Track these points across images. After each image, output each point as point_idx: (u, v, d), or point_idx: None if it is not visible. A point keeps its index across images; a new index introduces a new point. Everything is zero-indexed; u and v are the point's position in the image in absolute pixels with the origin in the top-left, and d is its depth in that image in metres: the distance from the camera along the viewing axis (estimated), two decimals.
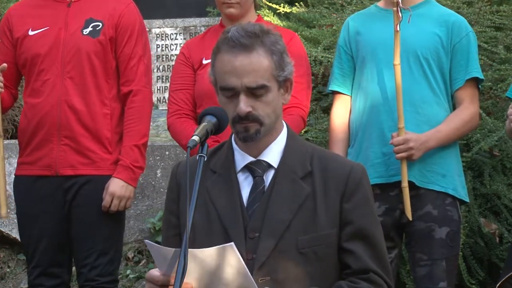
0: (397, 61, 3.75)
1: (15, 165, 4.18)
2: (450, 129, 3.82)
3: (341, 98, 4.01)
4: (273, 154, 2.69)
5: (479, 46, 4.98)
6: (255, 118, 2.61)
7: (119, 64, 4.04)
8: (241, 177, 2.69)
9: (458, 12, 4.76)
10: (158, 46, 8.33)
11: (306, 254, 2.61)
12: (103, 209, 3.96)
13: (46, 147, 3.97)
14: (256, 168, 2.68)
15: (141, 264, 5.81)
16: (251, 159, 2.69)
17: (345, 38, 4.00)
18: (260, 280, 2.57)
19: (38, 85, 3.99)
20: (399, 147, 3.72)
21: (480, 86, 3.96)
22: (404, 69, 3.78)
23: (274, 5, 6.67)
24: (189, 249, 2.35)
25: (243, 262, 2.40)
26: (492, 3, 5.75)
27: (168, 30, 8.37)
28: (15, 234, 5.85)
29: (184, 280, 2.33)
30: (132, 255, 5.86)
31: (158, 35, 8.36)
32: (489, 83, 5.02)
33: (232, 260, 2.40)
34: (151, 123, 4.14)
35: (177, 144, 4.23)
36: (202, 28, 8.03)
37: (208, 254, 2.40)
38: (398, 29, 3.74)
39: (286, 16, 6.75)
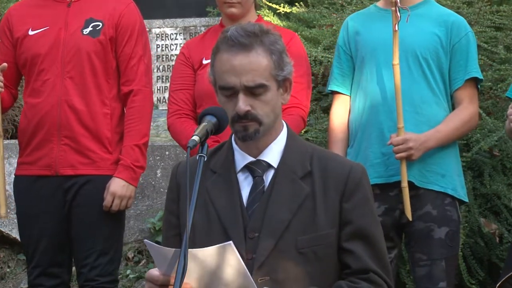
0: (396, 61, 3.75)
1: (15, 165, 4.18)
2: (450, 129, 3.82)
3: (340, 98, 4.01)
4: (273, 154, 2.69)
5: (479, 46, 4.99)
6: (254, 117, 2.61)
7: (120, 64, 4.04)
8: (241, 177, 2.69)
9: (458, 12, 4.77)
10: (158, 46, 8.33)
11: (306, 254, 2.61)
12: (104, 209, 3.96)
13: (46, 147, 3.97)
14: (256, 168, 2.68)
15: (141, 264, 5.81)
16: (251, 159, 2.69)
17: (344, 38, 4.00)
18: (260, 280, 2.57)
19: (38, 85, 3.99)
20: (399, 147, 3.72)
21: (479, 86, 3.96)
22: (403, 69, 3.78)
23: (274, 5, 6.67)
24: (188, 249, 2.35)
25: (242, 261, 2.40)
26: (492, 3, 5.74)
27: (168, 30, 8.38)
28: (15, 234, 5.85)
29: (184, 280, 2.33)
30: (132, 255, 5.86)
31: (158, 35, 8.36)
32: (489, 83, 5.02)
33: (231, 260, 2.40)
34: (151, 123, 4.14)
35: (177, 144, 4.24)
36: (202, 28, 8.03)
37: (207, 253, 2.40)
38: (396, 28, 3.74)
39: (286, 16, 6.75)
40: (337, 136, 3.98)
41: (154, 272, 2.46)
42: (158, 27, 8.38)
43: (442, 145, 3.82)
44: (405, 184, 3.74)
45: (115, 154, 4.01)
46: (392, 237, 3.82)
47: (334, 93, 4.05)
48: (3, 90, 3.99)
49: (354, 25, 3.99)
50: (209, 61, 3.96)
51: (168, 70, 8.16)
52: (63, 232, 4.01)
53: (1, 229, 6.02)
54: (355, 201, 2.65)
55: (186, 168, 2.67)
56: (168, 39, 8.36)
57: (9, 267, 6.05)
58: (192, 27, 8.33)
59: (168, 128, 4.11)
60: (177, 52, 7.36)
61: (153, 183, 6.31)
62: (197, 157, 2.47)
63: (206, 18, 8.37)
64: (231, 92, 2.62)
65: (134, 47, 4.04)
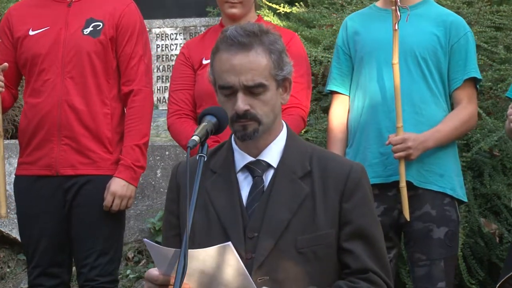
0: (395, 60, 3.75)
1: (15, 165, 4.18)
2: (449, 129, 3.82)
3: (339, 98, 4.01)
4: (272, 154, 2.69)
5: (479, 46, 5.00)
6: (253, 117, 2.61)
7: (120, 64, 4.04)
8: (240, 177, 2.69)
9: (458, 12, 4.77)
10: (158, 46, 8.33)
11: (305, 254, 2.61)
12: (104, 209, 3.96)
13: (47, 147, 3.97)
14: (255, 168, 2.68)
15: (141, 264, 5.81)
16: (251, 159, 2.69)
17: (343, 38, 4.01)
18: (259, 279, 2.57)
19: (39, 85, 3.99)
20: (397, 146, 3.73)
21: (478, 86, 3.96)
22: (402, 69, 3.78)
23: (274, 5, 6.67)
24: (188, 250, 2.35)
25: (241, 262, 2.40)
26: (492, 3, 5.74)
27: (168, 30, 8.38)
28: (15, 234, 5.85)
29: (184, 280, 2.33)
30: (132, 255, 5.86)
31: (158, 35, 8.36)
32: (489, 83, 5.02)
33: (230, 260, 2.40)
34: (151, 123, 4.14)
35: (177, 144, 4.24)
36: (202, 28, 8.04)
37: (206, 254, 2.40)
38: (396, 28, 3.75)
39: (286, 16, 6.75)
40: (336, 136, 3.98)
41: (154, 271, 2.46)
42: (158, 27, 8.38)
43: (441, 145, 3.82)
44: (403, 184, 3.74)
45: (116, 154, 4.01)
46: (391, 237, 3.82)
47: (333, 93, 4.05)
48: (3, 90, 3.99)
49: (353, 25, 4.00)
50: (209, 61, 3.98)
51: (168, 70, 8.16)
52: (63, 232, 4.01)
53: (1, 229, 6.02)
54: (354, 201, 2.65)
55: (186, 168, 2.67)
56: (168, 39, 8.36)
57: (9, 267, 6.05)
58: (192, 27, 8.33)
59: (168, 128, 4.11)
60: (177, 52, 7.36)
61: (153, 183, 6.31)
62: (197, 157, 2.47)
63: (206, 18, 8.37)
64: (231, 92, 2.62)
65: (135, 47, 4.04)
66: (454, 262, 3.92)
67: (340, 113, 4.00)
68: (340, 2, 6.23)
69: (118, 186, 3.94)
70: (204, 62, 4.02)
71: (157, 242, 2.49)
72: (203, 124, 2.53)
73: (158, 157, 6.36)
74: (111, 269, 4.05)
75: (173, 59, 8.05)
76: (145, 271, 5.59)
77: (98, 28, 4.00)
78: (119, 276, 5.31)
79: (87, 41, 3.98)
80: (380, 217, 3.68)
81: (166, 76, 8.17)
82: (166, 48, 8.34)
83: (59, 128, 3.95)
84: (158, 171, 6.34)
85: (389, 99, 3.81)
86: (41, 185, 3.99)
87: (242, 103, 2.60)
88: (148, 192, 6.29)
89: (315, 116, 5.43)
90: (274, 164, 2.68)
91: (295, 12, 6.55)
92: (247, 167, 2.69)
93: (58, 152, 3.96)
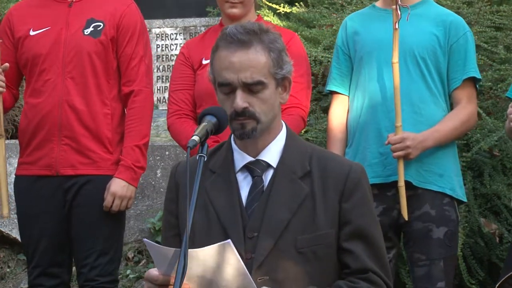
0: (395, 59, 3.75)
1: (15, 165, 4.18)
2: (448, 128, 3.82)
3: (339, 98, 4.01)
4: (272, 154, 2.69)
5: (479, 46, 5.00)
6: (251, 115, 2.61)
7: (120, 65, 4.04)
8: (240, 177, 2.69)
9: (457, 12, 4.77)
10: (158, 46, 8.33)
11: (305, 254, 2.61)
12: (104, 209, 3.96)
13: (47, 147, 3.97)
14: (255, 168, 2.68)
15: (141, 264, 5.81)
16: (250, 159, 2.69)
17: (343, 38, 4.01)
18: (259, 279, 2.57)
19: (39, 85, 3.99)
20: (396, 145, 3.73)
21: (477, 86, 3.96)
22: (401, 69, 3.78)
23: (274, 5, 6.67)
24: (188, 249, 2.35)
25: (241, 261, 2.40)
26: (492, 3, 5.74)
27: (168, 30, 8.38)
28: (15, 234, 5.85)
29: (184, 280, 2.33)
30: (132, 255, 5.86)
31: (158, 35, 8.36)
32: (489, 83, 5.02)
33: (230, 258, 2.40)
34: (151, 123, 4.14)
35: (177, 144, 4.24)
36: (202, 28, 8.04)
37: (206, 253, 2.40)
38: (396, 27, 3.75)
39: (286, 16, 6.75)
40: (335, 136, 3.98)
41: (153, 272, 2.46)
42: (158, 27, 8.38)
43: (440, 144, 3.82)
44: (401, 183, 3.74)
45: (116, 154, 4.01)
46: (390, 237, 3.82)
47: (332, 93, 4.05)
48: (4, 90, 3.99)
49: (352, 25, 4.00)
50: (209, 61, 3.98)
51: (168, 70, 8.16)
52: (63, 232, 4.02)
53: (1, 229, 6.02)
54: (354, 201, 2.65)
55: (185, 168, 2.67)
56: (168, 39, 8.37)
57: (9, 267, 6.05)
58: (192, 27, 8.33)
59: (168, 128, 4.11)
60: (177, 52, 7.36)
61: (153, 183, 6.32)
62: (197, 157, 2.47)
63: (206, 18, 8.37)
64: (229, 89, 2.62)
65: (135, 48, 4.04)
66: (453, 262, 3.92)
67: (339, 113, 4.00)
68: (340, 2, 6.23)
69: (118, 186, 3.94)
70: (204, 62, 4.02)
71: (157, 242, 2.49)
72: (203, 124, 2.53)
73: (158, 157, 6.37)
74: (111, 269, 4.05)
75: (173, 59, 8.06)
76: (145, 271, 5.59)
77: (98, 29, 4.00)
78: (119, 276, 5.31)
79: (88, 41, 3.98)
80: (379, 217, 3.68)
81: (166, 76, 8.17)
82: (166, 48, 8.35)
83: (59, 128, 3.96)
84: (158, 171, 6.34)
85: (388, 99, 3.81)
86: (41, 185, 3.99)
87: (240, 100, 2.60)
88: (148, 192, 6.30)
89: (315, 116, 5.43)
90: (274, 164, 2.68)
91: (295, 12, 6.56)
92: (247, 167, 2.69)
93: (58, 152, 3.96)
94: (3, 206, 3.99)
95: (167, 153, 6.39)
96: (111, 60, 4.02)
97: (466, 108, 3.86)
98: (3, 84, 3.97)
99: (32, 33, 4.02)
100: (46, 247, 4.01)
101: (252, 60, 2.60)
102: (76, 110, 3.96)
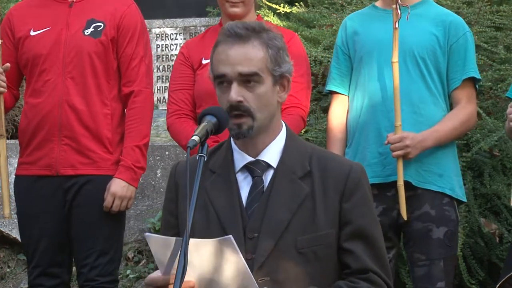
0: (395, 58, 3.75)
1: (15, 165, 4.18)
2: (447, 128, 3.82)
3: (338, 98, 4.01)
4: (272, 154, 2.68)
5: (479, 46, 5.00)
6: (246, 110, 2.60)
7: (121, 65, 4.04)
8: (240, 177, 2.69)
9: (457, 12, 4.77)
10: (158, 46, 8.33)
11: (306, 254, 2.61)
12: (104, 209, 3.96)
13: (47, 147, 3.97)
14: (255, 168, 2.67)
15: (141, 264, 5.81)
16: (250, 159, 2.68)
17: (342, 38, 4.01)
18: (260, 280, 2.57)
19: (39, 85, 3.99)
20: (395, 145, 3.73)
21: (477, 86, 3.96)
22: (401, 69, 3.78)
23: (274, 5, 6.67)
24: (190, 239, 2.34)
25: (242, 257, 2.39)
26: (492, 3, 5.74)
27: (168, 30, 8.38)
28: (15, 234, 5.85)
29: (185, 277, 2.33)
30: (132, 255, 5.86)
31: (158, 35, 8.36)
32: (489, 83, 5.02)
33: (231, 256, 2.39)
34: (151, 123, 4.14)
35: (177, 144, 4.24)
36: (202, 28, 8.04)
37: (207, 246, 2.39)
38: (396, 26, 3.75)
39: (286, 16, 6.75)
40: (335, 136, 3.98)
41: (153, 274, 2.46)
42: (158, 27, 8.38)
43: (439, 144, 3.82)
44: (400, 183, 3.74)
45: (116, 155, 4.01)
46: (390, 237, 3.82)
47: (332, 93, 4.05)
48: (5, 90, 3.99)
49: (352, 25, 4.00)
50: (208, 61, 3.98)
51: (168, 70, 8.16)
52: (63, 232, 4.02)
53: (1, 229, 6.03)
54: (354, 201, 2.64)
55: (185, 168, 2.67)
56: (168, 39, 8.37)
57: (9, 267, 6.05)
58: (192, 27, 8.34)
59: (168, 128, 4.11)
60: (177, 52, 7.36)
61: (153, 183, 6.32)
62: (197, 157, 2.46)
63: (206, 18, 8.37)
64: (225, 81, 2.60)
65: (135, 48, 4.04)
66: (453, 262, 3.92)
67: (339, 113, 4.00)
68: (340, 2, 6.23)
69: (118, 187, 3.94)
70: (204, 62, 4.02)
71: None
72: (203, 124, 2.52)
73: (158, 157, 6.37)
74: (111, 269, 4.05)
75: (173, 59, 8.06)
76: (145, 271, 5.61)
77: (99, 29, 4.00)
78: (119, 276, 5.31)
79: (88, 41, 3.98)
80: (379, 217, 3.66)
81: (166, 76, 8.17)
82: (166, 48, 8.35)
83: (59, 128, 3.96)
84: (158, 171, 6.34)
85: (388, 99, 3.81)
86: (41, 185, 4.00)
87: (235, 93, 2.59)
88: (148, 192, 6.30)
89: (315, 116, 5.43)
90: (274, 164, 2.68)
91: (295, 12, 6.56)
92: (247, 167, 2.68)
93: (58, 152, 3.96)
94: (4, 206, 4.00)
95: (167, 153, 6.39)
96: (111, 60, 4.02)
97: (466, 108, 3.86)
98: (4, 85, 3.97)
99: (32, 33, 4.02)
100: (46, 247, 4.01)
101: (249, 54, 2.60)
102: (76, 110, 3.96)
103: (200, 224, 2.64)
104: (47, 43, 3.98)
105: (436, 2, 4.10)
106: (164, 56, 8.33)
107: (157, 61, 8.25)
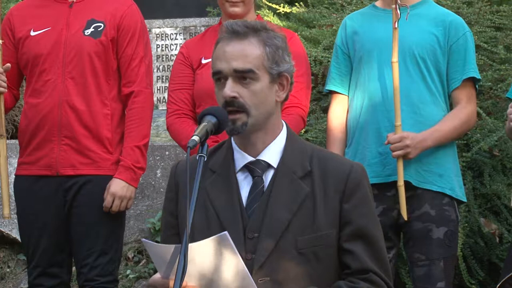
0: (395, 58, 3.75)
1: (15, 165, 4.18)
2: (448, 128, 3.82)
3: (338, 98, 4.01)
4: (272, 154, 2.68)
5: (479, 46, 5.00)
6: (240, 106, 2.60)
7: (121, 65, 4.05)
8: (240, 176, 2.69)
9: (457, 12, 4.78)
10: (158, 46, 8.33)
11: (306, 254, 2.60)
12: (104, 210, 3.96)
13: (47, 147, 3.97)
14: (255, 168, 2.67)
15: (141, 264, 5.81)
16: (251, 158, 2.68)
17: (342, 38, 4.01)
18: (260, 280, 2.57)
19: (39, 85, 3.99)
20: (395, 145, 3.73)
21: (477, 86, 3.96)
22: (401, 69, 3.78)
23: (274, 5, 6.68)
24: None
25: (237, 252, 2.39)
26: (492, 3, 5.75)
27: (168, 30, 8.38)
28: (15, 234, 5.85)
29: (184, 279, 2.33)
30: (132, 255, 5.86)
31: (158, 35, 8.36)
32: (489, 83, 5.02)
33: (229, 256, 2.39)
34: (151, 124, 4.14)
35: (177, 144, 4.24)
36: (202, 28, 8.04)
37: (205, 248, 2.39)
38: (396, 26, 3.75)
39: (286, 16, 6.75)
40: (335, 136, 3.98)
41: (157, 275, 2.46)
42: (158, 27, 8.38)
43: (439, 144, 3.82)
44: (401, 183, 3.74)
45: (116, 155, 4.01)
46: (390, 237, 3.82)
47: (332, 93, 4.05)
48: (6, 90, 3.99)
49: (352, 24, 4.00)
50: (208, 60, 3.99)
51: (168, 70, 8.16)
52: (63, 232, 4.02)
53: (1, 229, 6.02)
54: (355, 201, 2.64)
55: (185, 167, 2.67)
56: (168, 39, 8.37)
57: (9, 267, 6.05)
58: (192, 27, 8.34)
59: (168, 128, 4.12)
60: (177, 52, 7.36)
61: (153, 183, 6.32)
62: (197, 157, 2.46)
63: (206, 18, 8.37)
64: (221, 77, 2.61)
65: (136, 49, 4.04)
66: (453, 262, 3.92)
67: (339, 113, 4.00)
68: (340, 2, 6.23)
69: (118, 187, 3.94)
70: (203, 61, 4.03)
71: (157, 242, 2.49)
72: (203, 124, 2.52)
73: (158, 157, 6.37)
74: (111, 269, 4.05)
75: (173, 59, 8.06)
76: (145, 271, 5.61)
77: (99, 29, 4.00)
78: (119, 276, 5.31)
79: (88, 42, 3.98)
80: (379, 217, 3.66)
81: (166, 76, 8.17)
82: (166, 48, 8.35)
83: (59, 128, 3.96)
84: (158, 171, 6.34)
85: (387, 99, 3.81)
86: (41, 185, 3.99)
87: (229, 89, 2.59)
88: (148, 192, 6.30)
89: (315, 116, 5.43)
90: (274, 164, 2.68)
91: (295, 12, 6.56)
92: (247, 167, 2.68)
93: (59, 152, 3.96)
94: (4, 206, 4.00)
95: (167, 153, 6.39)
96: (111, 60, 4.02)
97: (466, 108, 3.87)
98: (5, 85, 3.97)
99: (32, 33, 4.02)
100: (46, 247, 4.01)
101: (245, 50, 2.60)
102: (76, 110, 3.96)
103: (200, 224, 2.64)
104: (47, 43, 3.98)
105: (436, 2, 4.10)
106: (164, 56, 8.33)
107: (157, 61, 8.25)
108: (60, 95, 3.96)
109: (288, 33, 4.12)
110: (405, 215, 3.75)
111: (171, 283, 2.38)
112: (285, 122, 2.75)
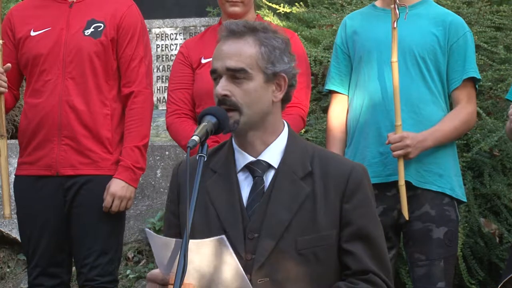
0: (394, 58, 3.75)
1: (15, 165, 4.19)
2: (448, 128, 3.82)
3: (338, 98, 4.01)
4: (273, 154, 2.68)
5: (479, 46, 5.00)
6: (232, 104, 2.60)
7: (121, 65, 4.05)
8: (241, 177, 2.69)
9: (458, 12, 4.77)
10: (158, 46, 8.33)
11: (306, 255, 2.60)
12: (104, 210, 3.96)
13: (47, 147, 3.97)
14: (256, 168, 2.67)
15: (141, 264, 5.81)
16: (251, 159, 2.68)
17: (342, 38, 4.01)
18: (260, 281, 2.56)
19: (39, 85, 3.99)
20: (396, 144, 3.73)
21: (477, 86, 3.96)
22: (401, 69, 3.78)
23: (274, 5, 6.68)
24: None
25: (236, 257, 2.39)
26: (492, 3, 5.75)
27: (168, 30, 8.38)
28: (15, 234, 5.85)
29: (185, 277, 2.33)
30: (132, 255, 5.86)
31: (158, 35, 8.36)
32: (489, 83, 5.02)
33: (227, 258, 2.39)
34: (151, 124, 4.14)
35: (177, 144, 4.25)
36: (202, 28, 8.04)
37: (205, 247, 2.39)
38: (395, 26, 3.75)
39: (286, 16, 6.75)
40: (335, 136, 3.98)
41: (156, 270, 2.46)
42: (158, 27, 8.38)
43: (439, 144, 3.82)
44: (402, 183, 3.74)
45: (116, 155, 4.01)
46: (390, 237, 3.82)
47: (332, 92, 4.05)
48: (6, 90, 3.99)
49: (352, 24, 4.00)
50: (207, 60, 3.99)
51: (168, 70, 8.16)
52: (63, 232, 4.02)
53: (1, 229, 6.03)
54: (355, 202, 2.64)
55: (186, 168, 2.67)
56: (168, 39, 8.37)
57: (9, 267, 6.05)
58: (192, 27, 8.34)
59: (167, 128, 4.12)
60: (177, 52, 7.37)
61: (153, 183, 6.32)
62: (197, 157, 2.46)
63: (206, 18, 8.38)
64: (216, 76, 2.63)
65: (135, 49, 4.04)
66: (453, 262, 3.92)
67: (339, 112, 4.00)
68: (340, 2, 6.24)
69: (117, 187, 3.94)
70: (203, 61, 4.03)
71: None
72: (203, 124, 2.52)
73: (158, 157, 6.37)
74: (111, 269, 4.05)
75: (173, 59, 8.04)
76: (145, 271, 5.61)
77: (99, 29, 4.01)
78: (119, 276, 5.31)
79: (88, 42, 3.98)
80: (380, 217, 3.66)
81: (166, 76, 8.17)
82: (166, 48, 8.35)
83: (59, 128, 3.96)
84: (158, 171, 6.34)
85: (387, 98, 3.81)
86: (41, 185, 4.00)
87: (221, 87, 2.60)
88: (148, 192, 6.30)
89: (315, 116, 5.43)
90: (275, 165, 2.68)
91: (295, 12, 6.56)
92: (248, 167, 2.68)
93: (58, 152, 3.96)
94: (4, 206, 4.00)
95: (167, 153, 6.39)
96: (111, 61, 4.02)
97: (466, 108, 3.86)
98: (5, 85, 3.97)
99: (33, 33, 4.02)
100: (46, 247, 4.01)
101: (240, 49, 2.61)
102: (76, 110, 3.96)
103: (201, 224, 2.64)
104: (47, 43, 3.99)
105: (436, 2, 4.10)
106: (164, 56, 8.33)
107: (157, 61, 8.25)
108: (60, 95, 3.96)
109: (288, 33, 4.12)
110: (406, 215, 3.75)
111: (172, 278, 2.38)
112: (286, 122, 2.75)
